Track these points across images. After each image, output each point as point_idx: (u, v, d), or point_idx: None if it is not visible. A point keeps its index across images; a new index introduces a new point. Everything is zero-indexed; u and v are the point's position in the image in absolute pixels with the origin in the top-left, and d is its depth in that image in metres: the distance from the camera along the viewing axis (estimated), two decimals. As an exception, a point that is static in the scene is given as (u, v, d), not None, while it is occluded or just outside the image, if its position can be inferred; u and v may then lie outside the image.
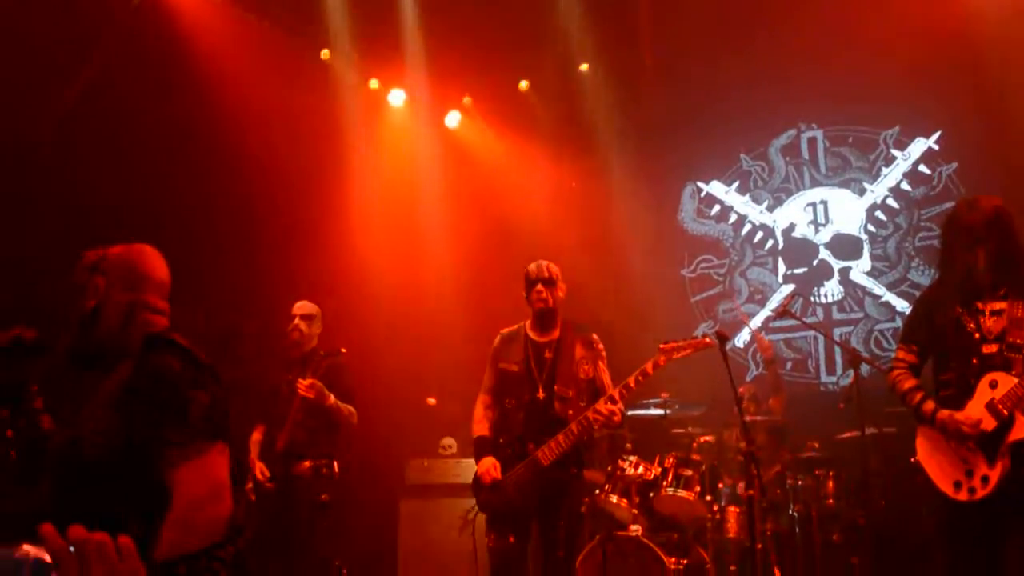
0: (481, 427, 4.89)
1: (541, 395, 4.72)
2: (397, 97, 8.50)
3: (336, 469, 5.46)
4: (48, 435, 2.57)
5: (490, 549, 4.63)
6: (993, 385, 3.70)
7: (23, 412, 2.57)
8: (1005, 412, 3.64)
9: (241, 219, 6.85)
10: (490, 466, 4.66)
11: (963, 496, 3.72)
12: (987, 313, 3.81)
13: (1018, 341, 3.70)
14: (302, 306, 5.73)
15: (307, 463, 5.44)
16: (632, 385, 4.58)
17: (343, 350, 5.72)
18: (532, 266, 4.86)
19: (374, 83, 8.40)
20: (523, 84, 8.64)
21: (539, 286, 4.80)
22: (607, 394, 4.60)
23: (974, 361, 3.78)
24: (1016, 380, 3.64)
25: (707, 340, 4.64)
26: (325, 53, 8.00)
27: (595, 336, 4.92)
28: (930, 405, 3.88)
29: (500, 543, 4.58)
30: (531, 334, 4.91)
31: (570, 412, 4.62)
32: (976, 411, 3.72)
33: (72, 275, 2.55)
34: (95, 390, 2.34)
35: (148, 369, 2.27)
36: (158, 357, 2.30)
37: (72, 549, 1.24)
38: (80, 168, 6.11)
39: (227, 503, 2.19)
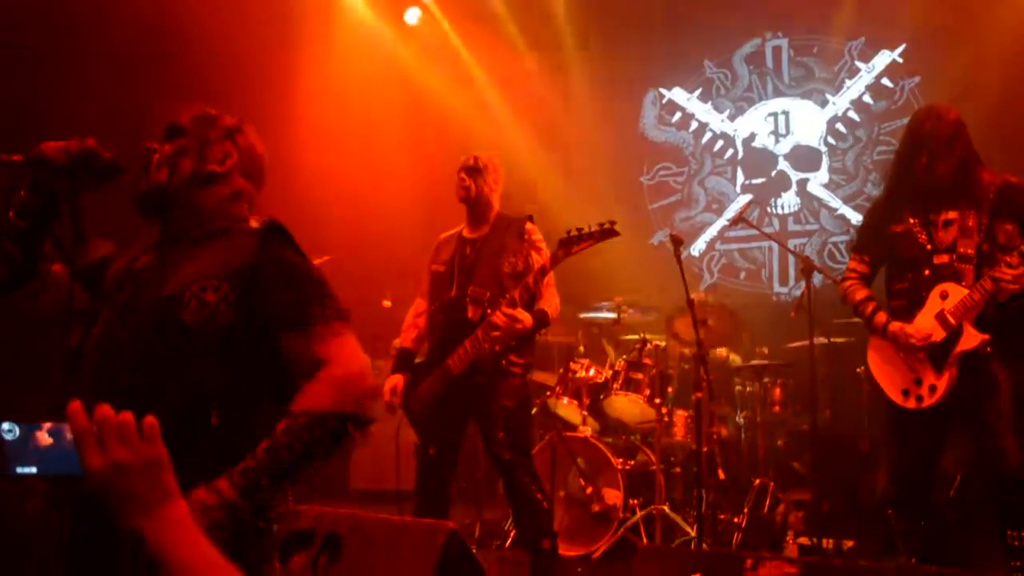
0: (405, 337, 4.59)
1: (453, 294, 4.35)
2: (355, -10, 8.25)
3: None
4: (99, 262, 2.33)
5: (416, 457, 4.40)
6: (944, 296, 3.74)
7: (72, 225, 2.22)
8: (954, 322, 3.69)
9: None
10: (390, 388, 4.38)
11: (911, 404, 3.80)
12: (939, 224, 3.83)
13: (969, 251, 3.73)
14: None
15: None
16: (532, 286, 4.14)
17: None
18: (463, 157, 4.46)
19: (331, -26, 8.13)
20: (487, -20, 8.42)
21: (461, 173, 4.41)
22: (508, 297, 4.13)
23: (925, 272, 3.82)
24: (966, 291, 3.68)
25: (611, 228, 4.10)
26: (279, -60, 7.70)
27: (530, 226, 4.43)
28: (882, 317, 3.92)
29: (421, 452, 4.34)
30: (464, 232, 4.52)
31: (488, 312, 4.18)
32: (926, 322, 3.77)
33: (192, 115, 2.31)
34: (187, 257, 2.14)
35: (276, 252, 2.15)
36: (284, 244, 2.20)
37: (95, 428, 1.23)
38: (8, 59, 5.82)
39: (374, 385, 2.07)
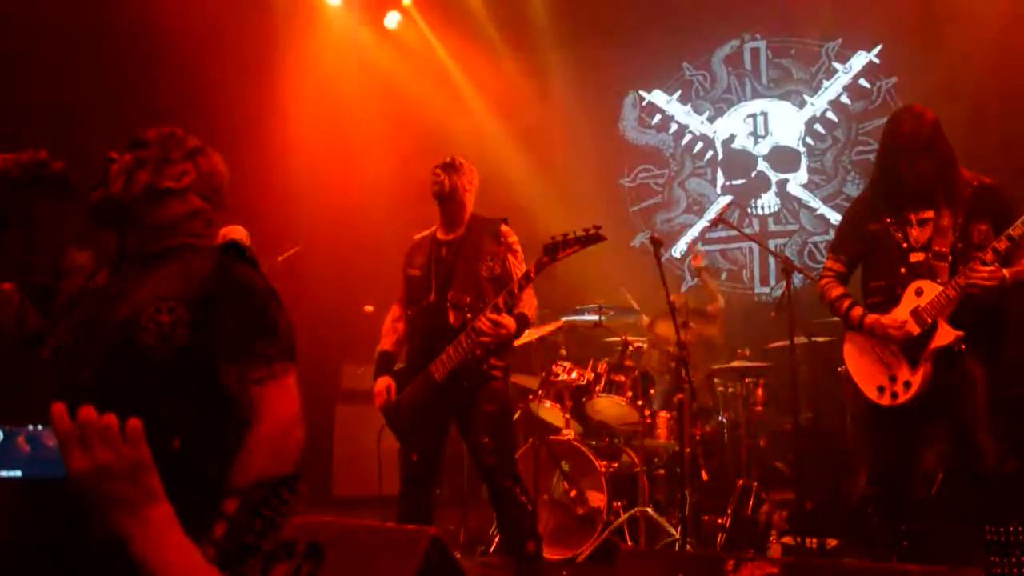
0: (385, 341, 4.53)
1: (432, 299, 4.31)
2: (335, -6, 8.24)
3: None
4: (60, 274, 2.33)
5: (399, 463, 4.39)
6: (919, 293, 3.77)
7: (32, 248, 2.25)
8: (929, 319, 3.71)
9: (166, 120, 6.57)
10: (383, 388, 4.36)
11: (886, 400, 3.81)
12: (915, 222, 3.85)
13: (944, 250, 3.75)
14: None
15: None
16: (516, 292, 4.09)
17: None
18: None
19: (311, -21, 8.12)
20: (466, -15, 8.43)
21: (436, 169, 4.35)
22: (492, 303, 4.10)
23: (902, 270, 3.84)
24: (940, 288, 3.70)
25: (596, 233, 4.01)
26: (259, -56, 7.68)
27: (505, 228, 4.37)
28: (858, 311, 3.94)
29: (404, 458, 4.32)
30: (438, 234, 4.47)
31: (468, 317, 4.15)
32: (902, 317, 3.79)
33: (159, 131, 2.30)
34: (143, 276, 2.12)
35: (232, 276, 2.12)
36: (243, 268, 2.15)
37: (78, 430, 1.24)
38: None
39: (304, 431, 2.07)
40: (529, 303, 4.28)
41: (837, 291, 4.07)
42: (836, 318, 4.20)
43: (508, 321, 4.10)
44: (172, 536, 1.30)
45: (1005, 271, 3.61)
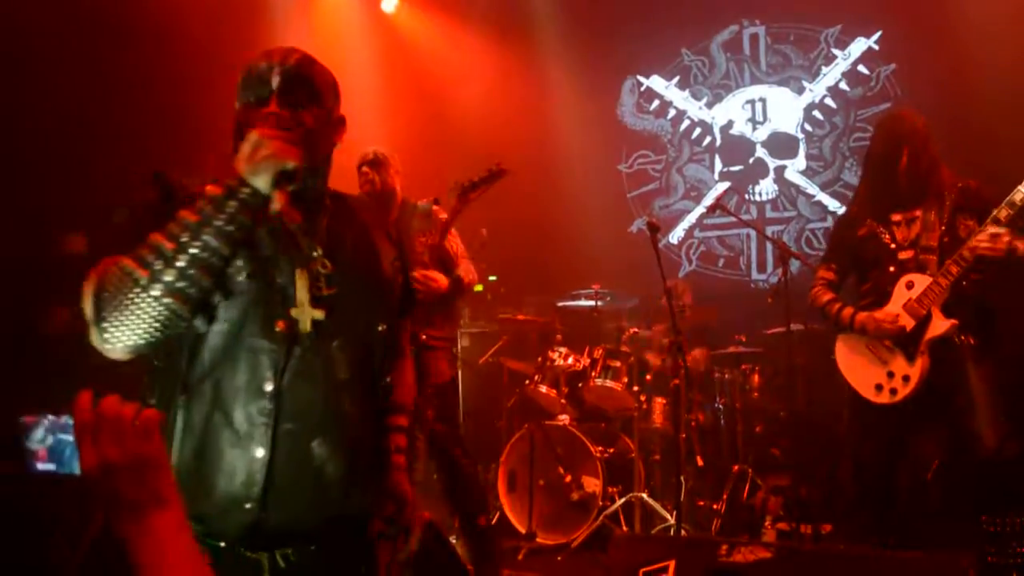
0: None
1: None
2: (333, -22, 8.18)
3: None
4: None
5: None
6: (909, 286, 3.77)
7: None
8: (922, 310, 3.71)
9: (160, 106, 6.53)
10: None
11: (884, 398, 3.80)
12: (901, 222, 3.86)
13: (931, 243, 3.76)
14: None
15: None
16: (438, 242, 4.19)
17: None
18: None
19: (308, -38, 8.06)
20: (464, -31, 8.38)
21: (364, 167, 4.40)
22: (420, 260, 4.17)
23: (891, 268, 3.85)
24: (931, 279, 3.71)
25: (499, 169, 4.00)
26: (255, -72, 7.62)
27: (436, 207, 4.46)
28: (848, 311, 3.96)
29: None
30: None
31: None
32: (894, 311, 3.79)
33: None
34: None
35: None
36: None
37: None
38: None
39: None
40: (467, 269, 4.38)
41: (827, 296, 4.09)
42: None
43: (439, 276, 4.16)
44: (175, 547, 1.16)
45: (1016, 241, 3.56)
